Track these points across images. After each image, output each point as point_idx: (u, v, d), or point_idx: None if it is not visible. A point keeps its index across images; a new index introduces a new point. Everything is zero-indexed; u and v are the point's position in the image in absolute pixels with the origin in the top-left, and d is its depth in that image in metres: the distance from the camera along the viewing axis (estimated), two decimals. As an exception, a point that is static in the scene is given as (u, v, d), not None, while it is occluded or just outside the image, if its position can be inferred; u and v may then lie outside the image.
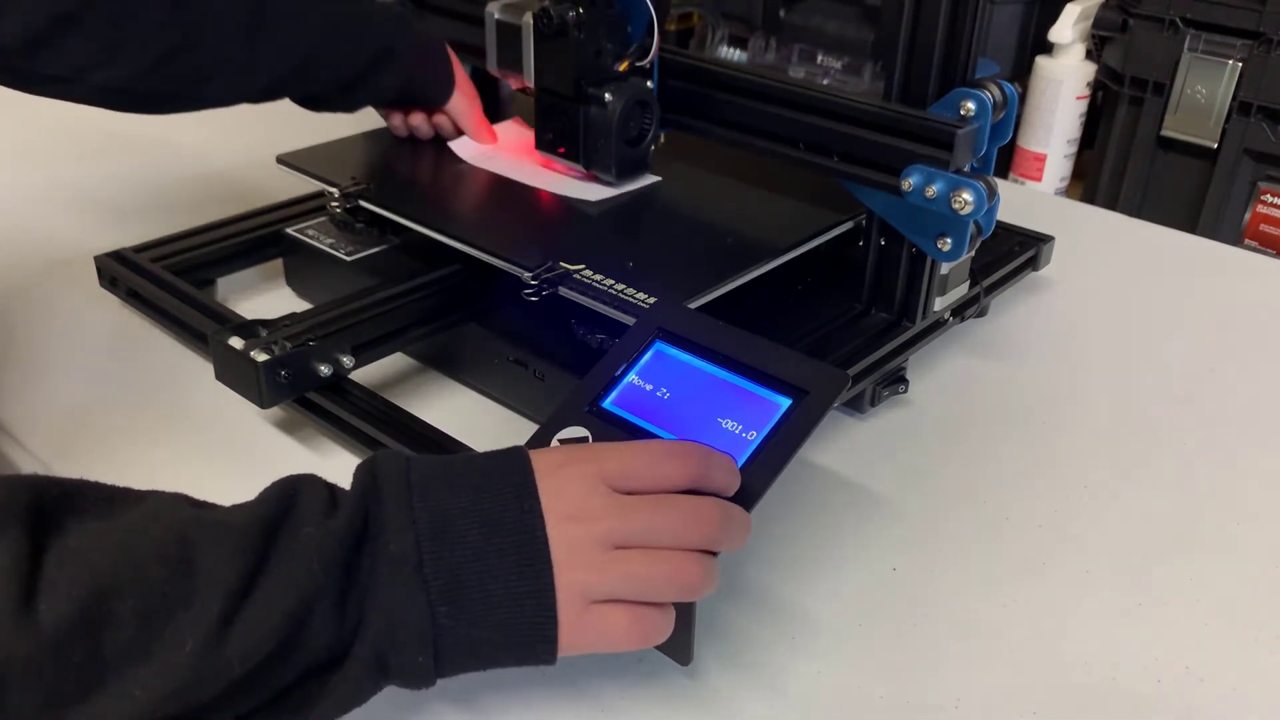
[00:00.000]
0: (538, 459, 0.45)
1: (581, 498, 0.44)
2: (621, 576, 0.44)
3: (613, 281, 0.63)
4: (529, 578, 0.42)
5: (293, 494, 0.42)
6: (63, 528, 0.39)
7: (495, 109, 0.88)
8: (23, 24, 0.63)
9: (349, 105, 0.80)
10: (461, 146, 0.84)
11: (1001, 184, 0.73)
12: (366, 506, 0.42)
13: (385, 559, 0.41)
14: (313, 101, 0.78)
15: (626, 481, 0.45)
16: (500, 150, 0.84)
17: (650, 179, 0.79)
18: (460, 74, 0.83)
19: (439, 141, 0.86)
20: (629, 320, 0.59)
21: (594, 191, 0.77)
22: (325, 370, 0.64)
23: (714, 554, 0.46)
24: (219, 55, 0.70)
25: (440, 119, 0.84)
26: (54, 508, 0.39)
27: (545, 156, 0.80)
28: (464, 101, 0.83)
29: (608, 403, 0.54)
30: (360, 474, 0.44)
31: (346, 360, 0.65)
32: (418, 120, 0.84)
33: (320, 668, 0.41)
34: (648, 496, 0.45)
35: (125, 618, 0.37)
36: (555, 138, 0.77)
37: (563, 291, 0.64)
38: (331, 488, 0.44)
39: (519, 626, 0.42)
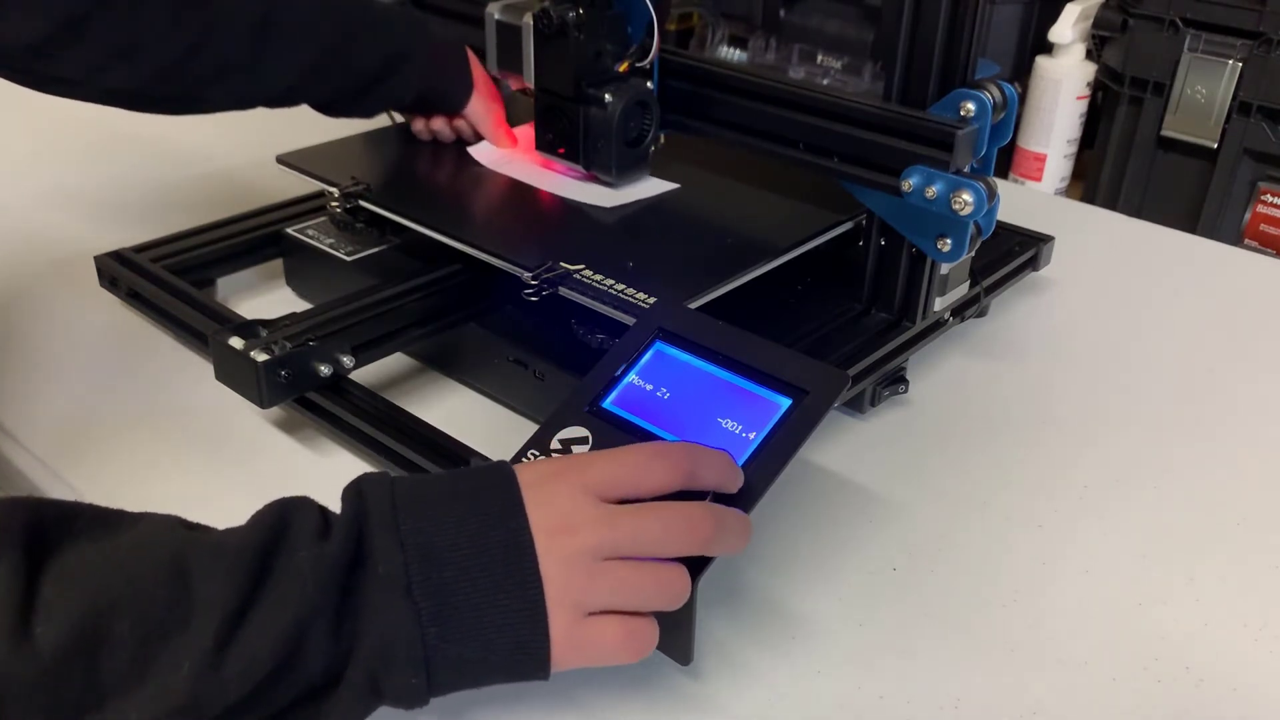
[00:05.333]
0: (523, 473, 0.45)
1: (569, 510, 0.44)
2: (612, 587, 0.44)
3: (613, 281, 0.63)
4: (518, 596, 0.42)
5: (286, 517, 0.42)
6: (59, 550, 0.39)
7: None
8: (34, 26, 0.63)
9: (364, 111, 0.79)
10: (481, 151, 0.83)
11: (1001, 184, 0.73)
12: (359, 529, 0.42)
13: (375, 582, 0.41)
14: (328, 107, 0.78)
15: (613, 490, 0.45)
16: (519, 155, 0.83)
17: (668, 185, 0.78)
18: (481, 77, 0.82)
19: (445, 143, 0.85)
20: (629, 320, 0.59)
21: (610, 197, 0.77)
22: (325, 370, 0.64)
23: (700, 565, 0.46)
24: (229, 60, 0.69)
25: (460, 123, 0.84)
26: (51, 530, 0.39)
27: (556, 160, 0.79)
28: (483, 106, 0.82)
29: (608, 403, 0.54)
30: (348, 496, 0.44)
31: (346, 360, 0.65)
32: (439, 124, 0.84)
33: (315, 691, 0.41)
34: (635, 505, 0.45)
35: (122, 640, 0.37)
36: (555, 138, 0.77)
37: (562, 291, 0.64)
38: (324, 511, 0.44)
39: (509, 645, 0.42)
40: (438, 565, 0.42)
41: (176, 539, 0.41)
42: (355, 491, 0.44)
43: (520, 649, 0.42)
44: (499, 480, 0.45)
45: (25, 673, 0.36)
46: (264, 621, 0.39)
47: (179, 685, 0.37)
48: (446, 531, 0.42)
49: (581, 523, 0.44)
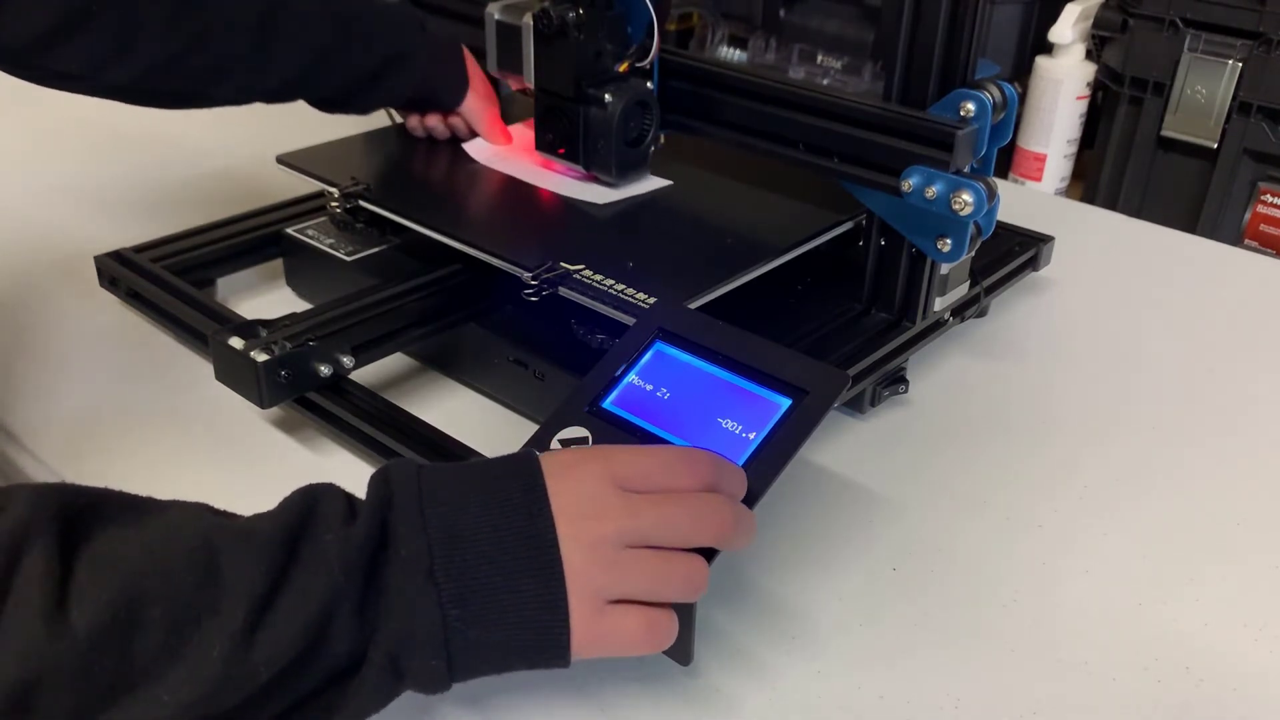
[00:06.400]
0: (548, 461, 0.45)
1: (592, 497, 0.44)
2: (634, 576, 0.44)
3: (613, 281, 0.63)
4: (539, 581, 0.42)
5: (313, 503, 0.43)
6: (91, 536, 0.39)
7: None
8: (36, 22, 0.63)
9: (362, 107, 0.80)
10: (475, 148, 0.84)
11: (1001, 184, 0.73)
12: (384, 514, 0.43)
13: (399, 565, 0.41)
14: (326, 103, 0.78)
15: (637, 482, 0.45)
16: (514, 152, 0.83)
17: (661, 182, 0.79)
18: (476, 75, 0.83)
19: (442, 141, 0.86)
20: (629, 320, 0.59)
21: (603, 194, 0.77)
22: (325, 370, 0.64)
23: (710, 557, 0.46)
24: (229, 55, 0.70)
25: (455, 120, 0.84)
26: (82, 516, 0.40)
27: (550, 158, 0.79)
28: (478, 103, 0.83)
29: (608, 403, 0.54)
30: (375, 483, 0.44)
31: (346, 360, 0.65)
32: (434, 121, 0.85)
33: (340, 674, 0.41)
34: (658, 495, 0.45)
35: (154, 624, 0.38)
36: (555, 139, 0.77)
37: (562, 291, 0.64)
38: (350, 497, 0.44)
39: (530, 630, 0.42)
40: (460, 549, 0.42)
41: (205, 525, 0.41)
42: (382, 478, 0.44)
43: (541, 635, 0.43)
44: (524, 468, 0.45)
45: (61, 656, 0.36)
46: (291, 606, 0.40)
47: (209, 669, 0.38)
48: (470, 516, 0.43)
49: (605, 510, 0.44)
